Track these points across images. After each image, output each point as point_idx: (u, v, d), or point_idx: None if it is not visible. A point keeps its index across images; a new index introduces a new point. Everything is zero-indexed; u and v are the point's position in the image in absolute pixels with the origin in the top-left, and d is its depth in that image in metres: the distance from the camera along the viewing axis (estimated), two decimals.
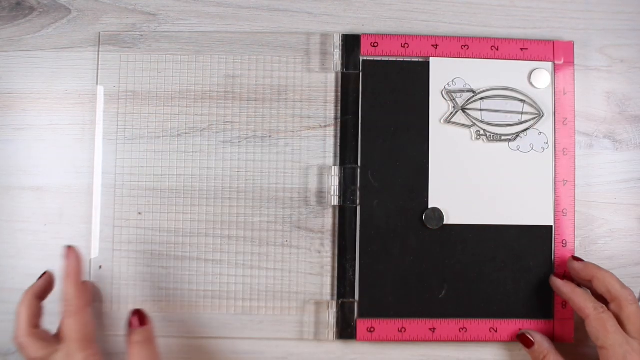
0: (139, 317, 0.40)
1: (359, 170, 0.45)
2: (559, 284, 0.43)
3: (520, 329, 0.44)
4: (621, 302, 0.40)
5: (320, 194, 0.46)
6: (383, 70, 0.46)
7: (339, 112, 0.46)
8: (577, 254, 0.45)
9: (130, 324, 0.40)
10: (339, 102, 0.46)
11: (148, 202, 0.45)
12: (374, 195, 0.45)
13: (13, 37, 0.45)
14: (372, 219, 0.45)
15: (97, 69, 0.45)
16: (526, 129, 0.46)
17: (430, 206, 0.45)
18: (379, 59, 0.46)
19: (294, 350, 0.45)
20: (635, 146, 0.47)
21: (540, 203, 0.45)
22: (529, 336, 0.43)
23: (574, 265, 0.44)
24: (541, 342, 0.43)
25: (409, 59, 0.46)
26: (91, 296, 0.42)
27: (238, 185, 0.45)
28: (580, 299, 0.41)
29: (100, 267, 0.44)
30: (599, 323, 0.40)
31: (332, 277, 0.45)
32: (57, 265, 0.43)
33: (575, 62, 0.47)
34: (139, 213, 0.45)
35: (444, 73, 0.46)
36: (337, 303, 0.44)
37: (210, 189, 0.45)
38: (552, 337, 0.44)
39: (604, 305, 0.41)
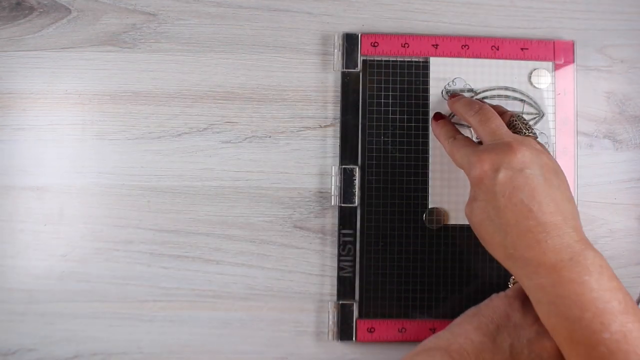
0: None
1: (358, 170, 0.45)
2: (433, 125, 0.44)
3: None
4: (471, 119, 0.41)
5: (320, 194, 0.46)
6: (383, 70, 0.46)
7: (339, 112, 0.46)
8: None
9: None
10: (339, 102, 0.46)
11: (148, 202, 0.45)
12: (374, 195, 0.45)
13: (13, 37, 0.45)
14: (372, 219, 0.45)
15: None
16: None
17: (430, 206, 0.45)
18: (379, 58, 0.46)
19: (294, 350, 0.45)
20: (635, 146, 0.47)
21: None
22: (441, 114, 0.44)
23: (433, 126, 0.44)
24: (450, 124, 0.43)
25: (409, 59, 0.46)
26: None
27: (238, 185, 0.45)
28: (442, 131, 0.43)
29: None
30: (453, 150, 0.40)
31: (332, 277, 0.45)
32: (56, 265, 0.43)
33: (575, 62, 0.47)
34: (135, 213, 0.45)
35: (444, 73, 0.46)
36: (337, 303, 0.44)
37: (210, 189, 0.45)
38: None
39: (458, 131, 0.42)
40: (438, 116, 0.44)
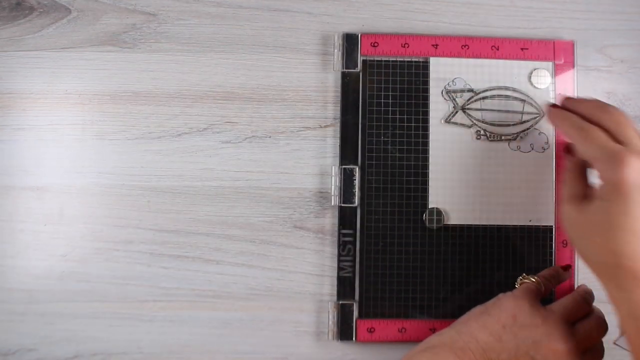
0: None
1: (358, 170, 0.45)
2: (549, 111, 0.42)
3: None
4: (605, 116, 0.38)
5: (320, 194, 0.46)
6: (383, 70, 0.46)
7: (339, 112, 0.46)
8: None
9: None
10: (339, 102, 0.46)
11: (148, 202, 0.45)
12: (374, 195, 0.45)
13: (13, 37, 0.45)
14: (372, 219, 0.45)
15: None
16: (526, 129, 0.46)
17: (430, 206, 0.45)
18: (379, 58, 0.46)
19: (294, 350, 0.45)
20: None
21: (541, 203, 0.45)
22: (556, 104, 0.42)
23: (547, 113, 0.42)
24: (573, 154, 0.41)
25: (409, 59, 0.46)
26: None
27: (238, 185, 0.45)
28: (564, 120, 0.39)
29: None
30: (582, 135, 0.38)
31: (332, 277, 0.45)
32: (56, 265, 0.43)
33: (575, 62, 0.47)
34: (135, 213, 0.45)
35: (444, 73, 0.46)
36: (337, 303, 0.44)
37: (210, 189, 0.45)
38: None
39: (591, 125, 0.38)
40: (556, 104, 0.42)
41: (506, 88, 0.46)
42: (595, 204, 0.36)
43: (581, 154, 0.39)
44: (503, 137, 0.46)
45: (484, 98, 0.46)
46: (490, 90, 0.46)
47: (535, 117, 0.46)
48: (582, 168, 0.40)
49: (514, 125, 0.46)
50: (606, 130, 0.37)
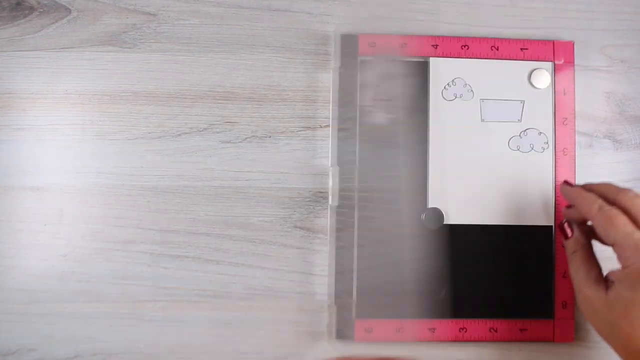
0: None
1: (358, 171, 0.45)
2: (566, 188, 0.42)
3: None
4: (624, 198, 0.38)
5: (320, 194, 0.46)
6: (382, 70, 0.46)
7: (339, 112, 0.46)
8: None
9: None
10: (339, 102, 0.46)
11: (148, 202, 0.45)
12: (374, 195, 0.45)
13: (13, 37, 0.45)
14: (371, 218, 0.45)
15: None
16: (526, 129, 0.46)
17: (430, 206, 0.45)
18: (378, 59, 0.46)
19: (294, 350, 0.45)
20: (635, 146, 0.47)
21: (540, 203, 0.45)
22: (568, 228, 0.42)
23: (563, 190, 0.42)
24: (578, 236, 0.41)
25: (409, 59, 0.46)
26: None
27: (238, 185, 0.45)
28: (585, 200, 0.39)
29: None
30: (606, 219, 0.38)
31: (331, 277, 0.45)
32: (56, 265, 0.43)
33: (575, 62, 0.47)
34: (135, 213, 0.45)
35: (443, 73, 0.46)
36: (336, 303, 0.44)
37: (210, 189, 0.45)
38: (552, 338, 0.44)
39: (610, 206, 0.38)
40: (569, 181, 0.43)
41: (506, 88, 0.46)
42: (620, 292, 0.37)
43: (601, 235, 0.39)
44: (503, 137, 0.46)
45: (483, 98, 0.46)
46: (490, 90, 0.46)
47: (534, 117, 0.46)
48: (591, 249, 0.41)
49: (513, 125, 0.46)
50: (625, 212, 0.37)
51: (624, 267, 0.37)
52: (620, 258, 0.37)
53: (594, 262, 0.40)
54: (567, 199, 0.42)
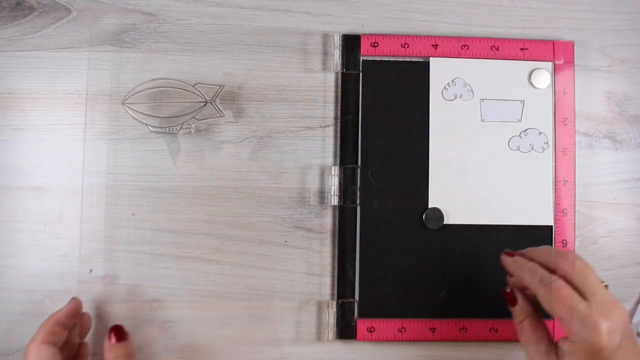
0: (117, 333, 0.41)
1: (359, 170, 0.45)
2: (506, 260, 0.41)
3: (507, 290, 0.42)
4: (563, 263, 0.38)
5: (320, 194, 0.46)
6: (383, 70, 0.46)
7: (339, 112, 0.46)
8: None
9: (109, 339, 0.41)
10: (339, 102, 0.46)
11: (148, 202, 0.45)
12: (374, 195, 0.45)
13: (13, 37, 0.45)
14: (372, 219, 0.45)
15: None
16: (526, 129, 0.46)
17: (430, 206, 0.45)
18: (379, 59, 0.46)
19: (293, 350, 0.45)
20: (635, 146, 0.47)
21: (540, 203, 0.46)
22: (514, 295, 0.41)
23: (505, 262, 0.41)
24: (523, 304, 0.40)
25: (409, 59, 0.46)
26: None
27: (238, 185, 0.45)
28: (526, 272, 0.39)
29: (90, 270, 0.44)
30: (549, 293, 0.37)
31: (332, 277, 0.45)
32: (56, 265, 0.43)
33: (575, 62, 0.47)
34: (133, 214, 0.45)
35: (444, 73, 0.46)
36: (337, 303, 0.44)
37: (210, 189, 0.45)
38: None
39: (551, 274, 0.38)
40: (510, 251, 0.42)
41: (506, 88, 0.46)
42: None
43: (546, 308, 0.38)
44: (503, 137, 0.46)
45: (483, 98, 0.46)
46: (490, 90, 0.46)
47: (534, 117, 0.46)
48: (539, 316, 0.40)
49: (513, 125, 0.46)
50: (567, 280, 0.37)
51: (572, 342, 0.37)
52: (568, 333, 0.37)
53: (543, 333, 0.39)
54: (508, 270, 0.41)
